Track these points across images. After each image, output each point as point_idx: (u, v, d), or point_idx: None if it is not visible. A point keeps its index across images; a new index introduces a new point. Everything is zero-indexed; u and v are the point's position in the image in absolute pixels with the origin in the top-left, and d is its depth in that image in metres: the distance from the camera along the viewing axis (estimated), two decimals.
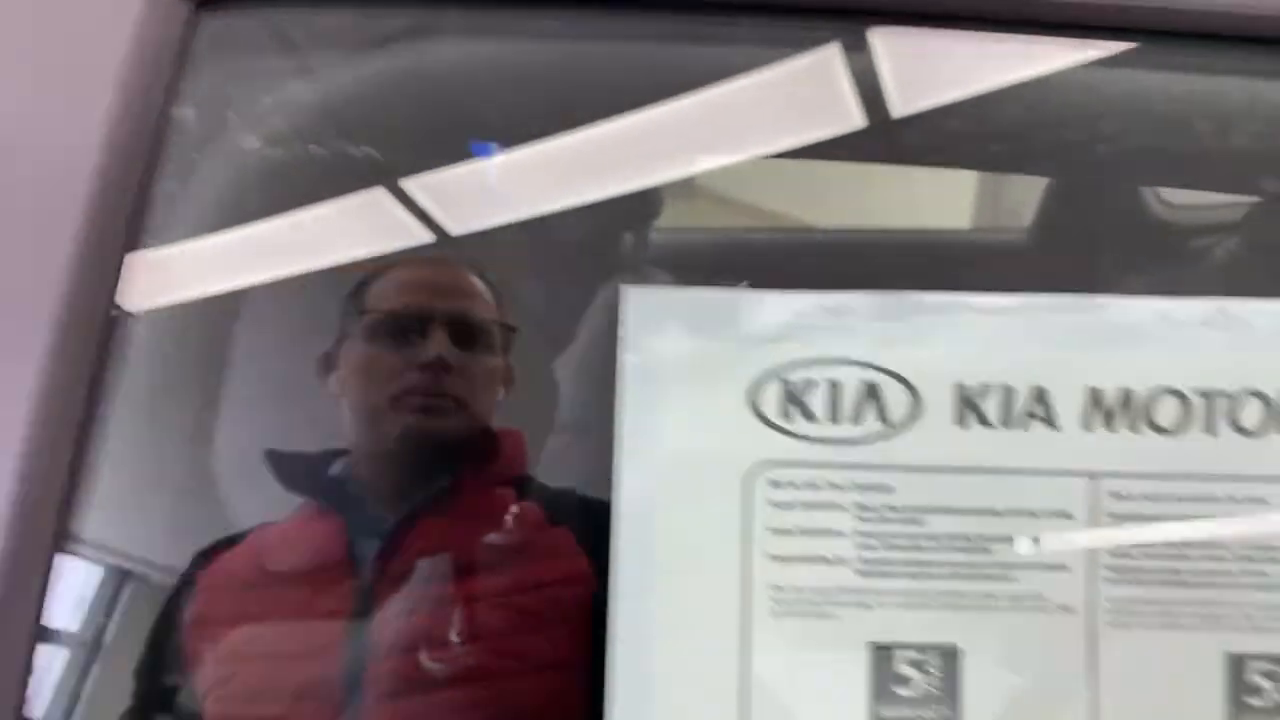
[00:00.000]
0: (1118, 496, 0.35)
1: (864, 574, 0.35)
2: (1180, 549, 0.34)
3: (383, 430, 0.45)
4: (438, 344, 0.44)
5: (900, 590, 0.35)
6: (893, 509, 0.35)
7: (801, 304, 0.35)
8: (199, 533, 0.46)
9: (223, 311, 0.46)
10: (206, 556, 0.43)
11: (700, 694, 0.34)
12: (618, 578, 0.35)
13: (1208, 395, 0.35)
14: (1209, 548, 0.34)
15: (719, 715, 0.34)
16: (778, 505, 0.35)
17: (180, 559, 0.45)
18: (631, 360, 0.35)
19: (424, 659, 0.42)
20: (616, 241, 0.54)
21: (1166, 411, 0.35)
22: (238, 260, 0.45)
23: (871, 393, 0.35)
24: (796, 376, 0.35)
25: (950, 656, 0.34)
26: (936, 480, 0.35)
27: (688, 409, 0.35)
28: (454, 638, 0.42)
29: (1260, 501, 0.34)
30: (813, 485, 0.35)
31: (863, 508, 0.35)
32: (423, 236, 0.47)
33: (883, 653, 0.34)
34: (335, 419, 0.47)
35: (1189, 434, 0.35)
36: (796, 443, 0.35)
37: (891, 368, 0.35)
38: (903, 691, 0.34)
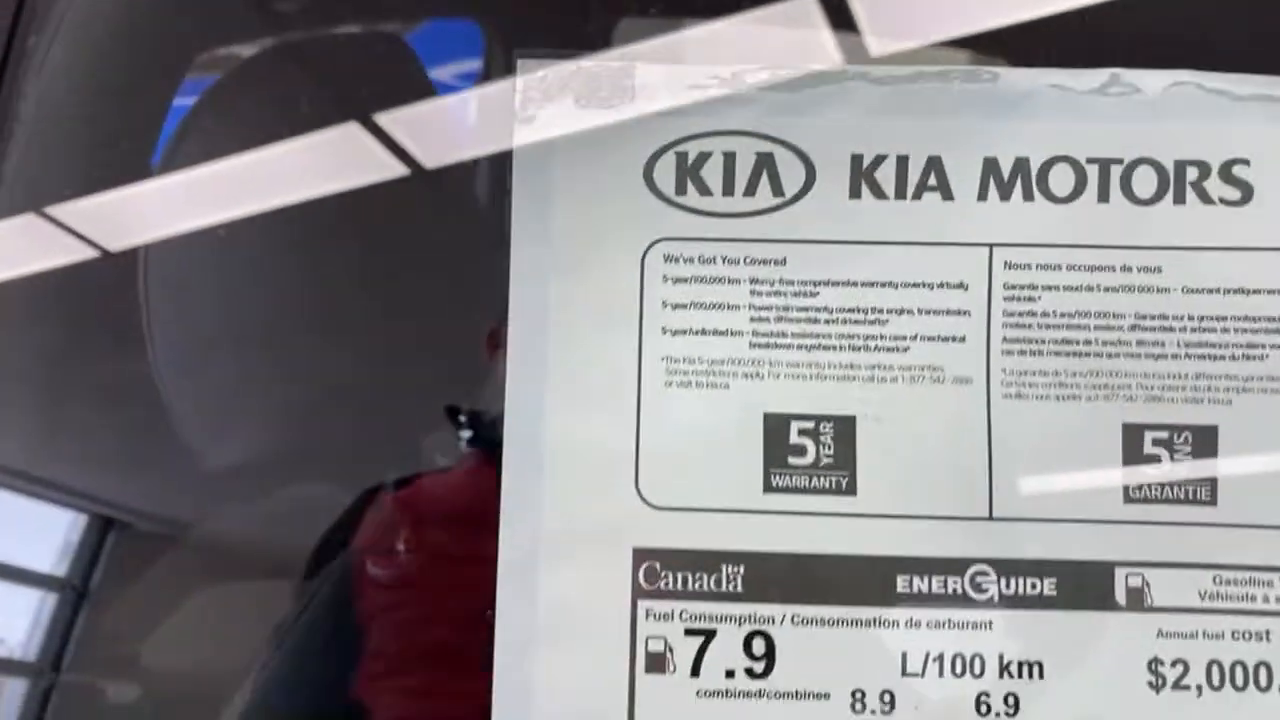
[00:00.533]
0: (1012, 266, 0.34)
1: (758, 346, 0.35)
2: (1076, 319, 0.34)
3: None
4: None
5: (794, 362, 0.34)
6: (787, 282, 0.35)
7: (696, 75, 0.35)
8: (183, 483, 0.47)
9: (198, 249, 0.46)
10: (375, 493, 0.45)
11: (595, 462, 0.34)
12: (513, 348, 0.35)
13: (1101, 163, 0.35)
14: (1104, 318, 0.34)
15: (614, 484, 0.34)
16: (672, 279, 0.35)
17: (159, 508, 0.46)
18: (524, 135, 0.35)
19: None
20: None
21: (1060, 181, 0.35)
22: (208, 197, 0.45)
23: (766, 164, 0.35)
24: (691, 149, 0.35)
25: (845, 425, 0.34)
26: (831, 252, 0.35)
27: (582, 184, 0.35)
28: None
29: (1153, 270, 0.34)
30: (707, 259, 0.35)
31: (757, 281, 0.35)
32: (397, 170, 0.47)
33: (777, 421, 0.34)
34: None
35: (1082, 203, 0.35)
36: (691, 217, 0.35)
37: (786, 138, 0.35)
38: (796, 460, 0.34)
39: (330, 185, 0.46)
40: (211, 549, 0.46)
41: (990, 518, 0.34)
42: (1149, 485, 0.34)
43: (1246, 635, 0.33)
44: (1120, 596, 0.34)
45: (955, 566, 0.33)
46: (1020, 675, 0.33)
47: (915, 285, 0.35)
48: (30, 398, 0.47)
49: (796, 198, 0.35)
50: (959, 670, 0.33)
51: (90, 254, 0.45)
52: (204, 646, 0.44)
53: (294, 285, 0.50)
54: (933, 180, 0.35)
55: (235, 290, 0.50)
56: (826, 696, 0.33)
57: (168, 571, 0.45)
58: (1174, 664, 0.33)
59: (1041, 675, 0.33)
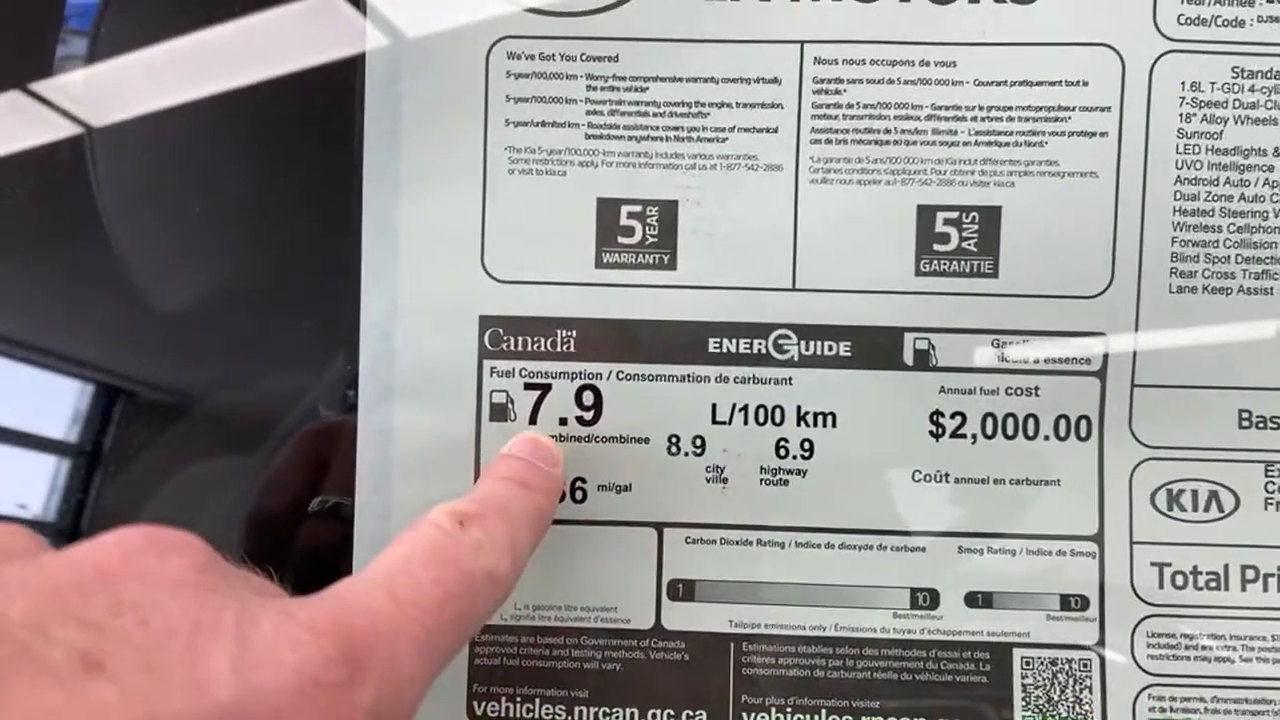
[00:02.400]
0: (821, 61, 0.38)
1: (593, 137, 0.38)
2: (878, 110, 0.38)
3: None
4: None
5: (625, 151, 0.38)
6: (619, 78, 0.38)
7: None
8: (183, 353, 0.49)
9: (182, 126, 0.47)
10: None
11: (445, 241, 0.38)
12: (369, 140, 0.38)
13: None
14: (904, 108, 0.38)
15: (462, 260, 0.38)
16: (515, 75, 0.38)
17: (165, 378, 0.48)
18: None
19: None
20: None
21: None
22: (184, 71, 0.46)
23: None
24: None
25: (669, 209, 0.38)
26: (659, 50, 0.38)
27: None
28: None
29: (949, 64, 0.38)
30: (547, 56, 0.38)
31: (592, 77, 0.38)
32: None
33: (608, 205, 0.38)
34: None
35: (886, 2, 0.38)
36: (532, 16, 0.38)
37: None
38: (625, 240, 0.38)
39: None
40: (210, 419, 0.49)
41: (794, 288, 0.38)
42: (938, 260, 0.38)
43: (1018, 391, 0.38)
44: (908, 358, 0.38)
45: (760, 330, 0.38)
46: (815, 424, 0.38)
47: (734, 80, 0.38)
48: (37, 274, 0.49)
49: None
50: (761, 419, 0.38)
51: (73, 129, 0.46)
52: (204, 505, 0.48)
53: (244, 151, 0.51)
54: None
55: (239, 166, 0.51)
56: (646, 440, 0.38)
57: (171, 439, 0.49)
58: (953, 416, 0.38)
59: (834, 425, 0.38)
